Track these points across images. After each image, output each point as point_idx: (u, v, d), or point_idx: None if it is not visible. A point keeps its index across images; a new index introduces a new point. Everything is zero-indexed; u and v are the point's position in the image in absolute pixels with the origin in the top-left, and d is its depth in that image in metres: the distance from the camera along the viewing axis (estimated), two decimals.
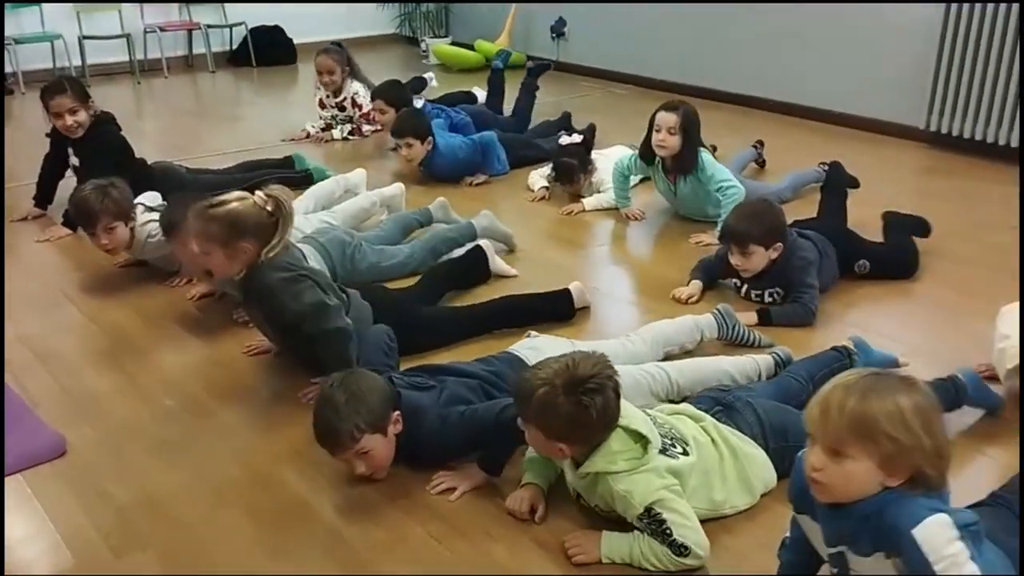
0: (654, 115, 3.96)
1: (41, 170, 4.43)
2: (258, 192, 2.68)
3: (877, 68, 5.47)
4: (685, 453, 2.12)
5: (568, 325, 3.19)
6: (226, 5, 8.15)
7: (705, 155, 3.98)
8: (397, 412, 2.31)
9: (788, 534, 1.91)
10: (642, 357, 2.74)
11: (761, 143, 4.92)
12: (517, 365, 2.53)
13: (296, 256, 2.77)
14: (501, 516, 2.24)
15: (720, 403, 2.34)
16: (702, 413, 2.29)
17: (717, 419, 2.28)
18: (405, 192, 4.24)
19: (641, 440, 2.04)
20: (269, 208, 2.66)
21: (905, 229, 3.66)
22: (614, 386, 2.00)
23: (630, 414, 2.08)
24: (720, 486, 2.16)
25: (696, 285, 3.38)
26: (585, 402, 1.96)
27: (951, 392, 2.51)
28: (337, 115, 5.77)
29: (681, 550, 1.99)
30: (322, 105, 5.80)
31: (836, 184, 3.97)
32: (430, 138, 4.75)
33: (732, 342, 2.99)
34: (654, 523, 2.00)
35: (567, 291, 3.25)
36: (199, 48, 8.15)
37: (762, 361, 2.75)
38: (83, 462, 2.48)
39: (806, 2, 5.70)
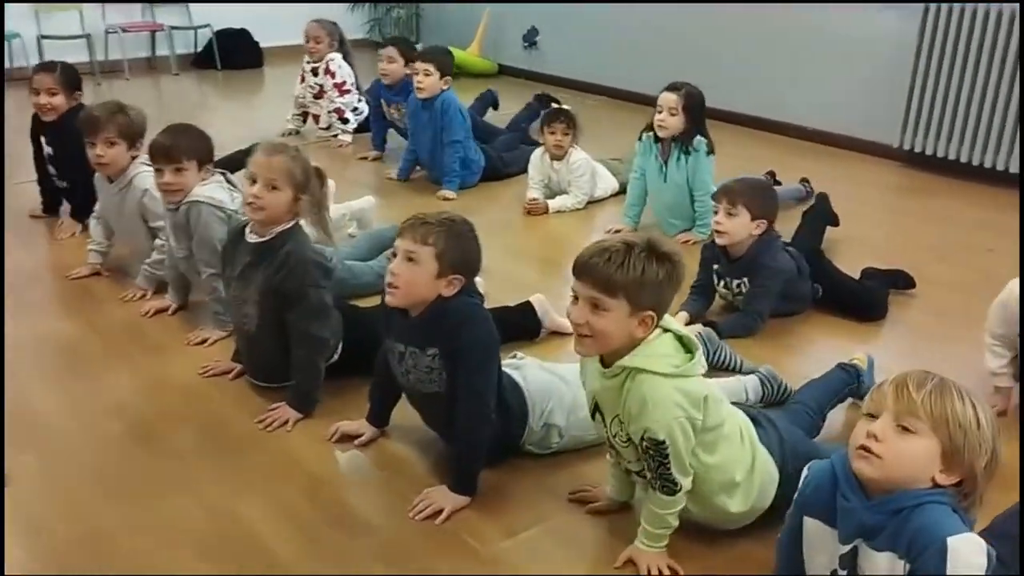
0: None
1: (38, 178, 4.28)
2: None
3: (851, 85, 5.44)
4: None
5: (536, 344, 3.09)
6: (191, 7, 7.97)
7: (705, 153, 3.94)
8: (460, 277, 2.23)
9: None
10: None
11: (773, 174, 4.81)
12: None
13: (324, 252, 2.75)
14: (472, 554, 2.12)
15: (745, 415, 2.21)
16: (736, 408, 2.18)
17: None
18: (375, 205, 4.11)
19: (688, 352, 1.97)
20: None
21: (885, 283, 3.50)
22: (677, 270, 1.93)
23: (678, 325, 2.02)
24: (739, 469, 2.06)
25: (682, 318, 3.21)
26: (670, 260, 1.91)
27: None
28: (312, 89, 5.60)
29: (672, 487, 1.96)
30: (302, 79, 5.66)
31: (819, 214, 3.93)
32: (449, 79, 4.65)
33: (715, 366, 2.88)
34: (658, 455, 1.93)
35: (529, 304, 3.15)
36: (162, 50, 7.97)
37: (748, 381, 2.70)
38: (24, 493, 2.32)
39: (786, 1, 5.66)
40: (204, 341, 3.12)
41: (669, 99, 3.90)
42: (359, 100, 5.68)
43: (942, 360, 3.04)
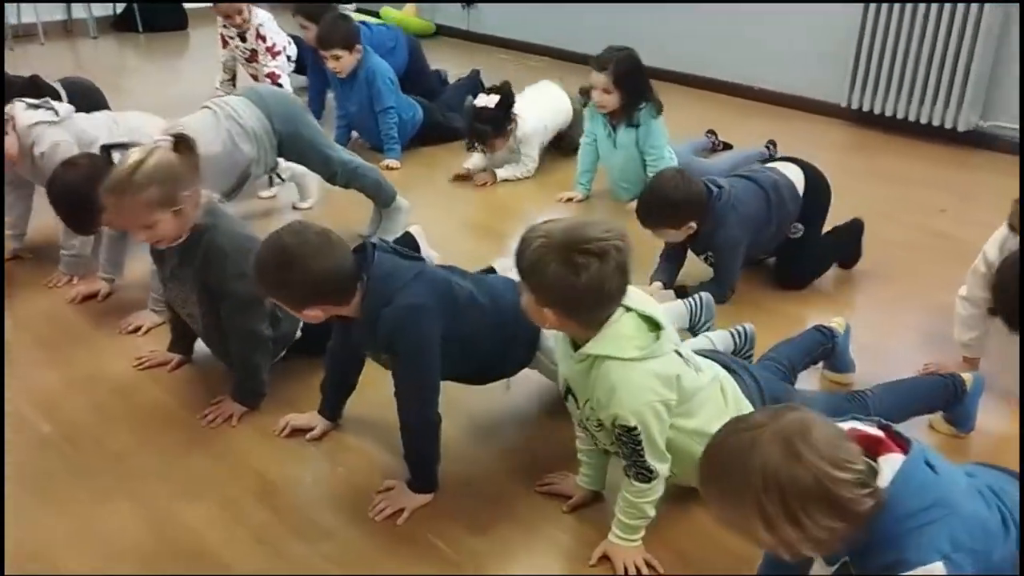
0: None
1: None
2: (158, 139, 2.38)
3: (798, 43, 5.35)
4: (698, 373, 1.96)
5: None
6: None
7: (651, 118, 3.79)
8: (322, 306, 2.05)
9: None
10: None
11: (714, 132, 4.69)
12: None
13: (243, 224, 2.53)
14: (439, 556, 2.00)
15: (719, 364, 2.12)
16: (712, 362, 2.09)
17: None
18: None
19: (656, 329, 1.84)
20: (179, 149, 2.38)
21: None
22: (619, 260, 1.74)
23: (645, 300, 1.88)
24: (719, 424, 1.96)
25: (656, 287, 3.11)
26: (578, 262, 1.72)
27: (949, 390, 2.35)
28: (244, 53, 5.31)
29: (647, 474, 1.87)
30: (224, 43, 5.35)
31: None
32: (359, 47, 4.44)
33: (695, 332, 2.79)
34: (631, 442, 1.83)
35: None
36: (79, 12, 7.53)
37: (715, 336, 2.60)
38: None
39: None
40: (138, 329, 2.92)
41: (598, 80, 3.75)
42: (289, 44, 5.40)
43: (901, 327, 3.00)
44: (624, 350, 1.81)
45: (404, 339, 2.04)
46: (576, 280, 1.72)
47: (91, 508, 2.14)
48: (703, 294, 2.83)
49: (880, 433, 1.49)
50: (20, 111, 3.17)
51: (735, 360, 2.22)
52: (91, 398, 2.58)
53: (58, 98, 3.69)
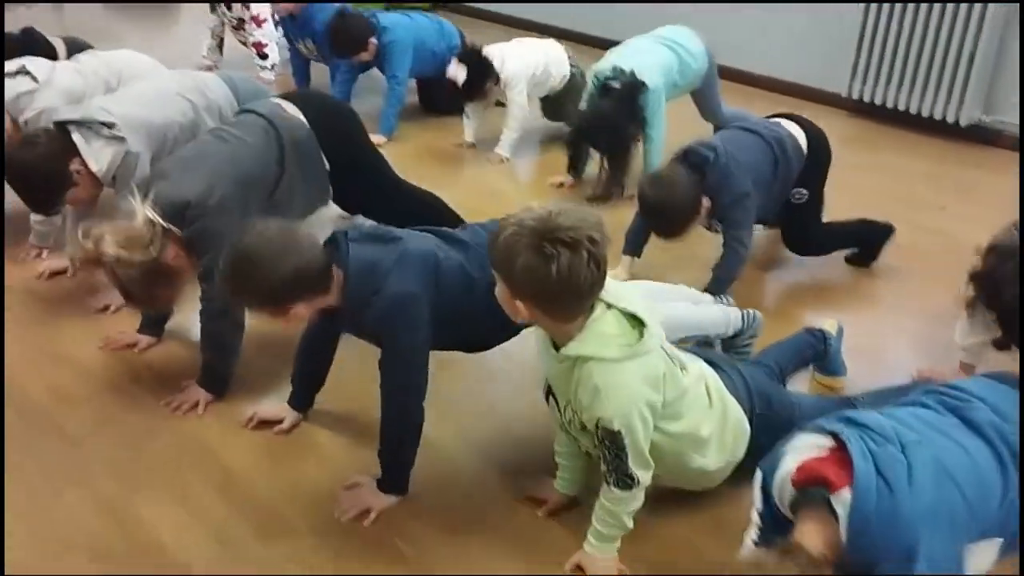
0: None
1: None
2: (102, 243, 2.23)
3: (800, 30, 5.24)
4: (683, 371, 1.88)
5: None
6: None
7: (652, 111, 3.77)
8: (291, 304, 1.93)
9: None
10: None
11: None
12: None
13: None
14: (404, 562, 1.91)
15: (705, 360, 2.05)
16: (696, 357, 2.02)
17: None
18: None
19: (639, 326, 1.75)
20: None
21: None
22: (593, 251, 1.64)
23: (627, 296, 1.78)
24: (705, 425, 1.90)
25: (624, 263, 3.10)
26: (547, 252, 1.62)
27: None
28: (232, 21, 5.20)
29: (628, 481, 1.79)
30: (212, 8, 5.23)
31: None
32: (372, 40, 4.36)
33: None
34: (614, 446, 1.75)
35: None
36: None
37: (732, 312, 2.55)
38: None
39: None
40: (107, 308, 2.81)
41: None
42: (278, 27, 5.28)
43: (898, 332, 2.91)
44: (607, 350, 1.72)
45: (394, 333, 1.96)
46: (547, 271, 1.62)
47: (44, 496, 2.05)
48: (753, 311, 2.65)
49: (827, 456, 1.47)
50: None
51: (720, 356, 2.15)
52: (52, 379, 2.48)
53: (52, 54, 3.58)
